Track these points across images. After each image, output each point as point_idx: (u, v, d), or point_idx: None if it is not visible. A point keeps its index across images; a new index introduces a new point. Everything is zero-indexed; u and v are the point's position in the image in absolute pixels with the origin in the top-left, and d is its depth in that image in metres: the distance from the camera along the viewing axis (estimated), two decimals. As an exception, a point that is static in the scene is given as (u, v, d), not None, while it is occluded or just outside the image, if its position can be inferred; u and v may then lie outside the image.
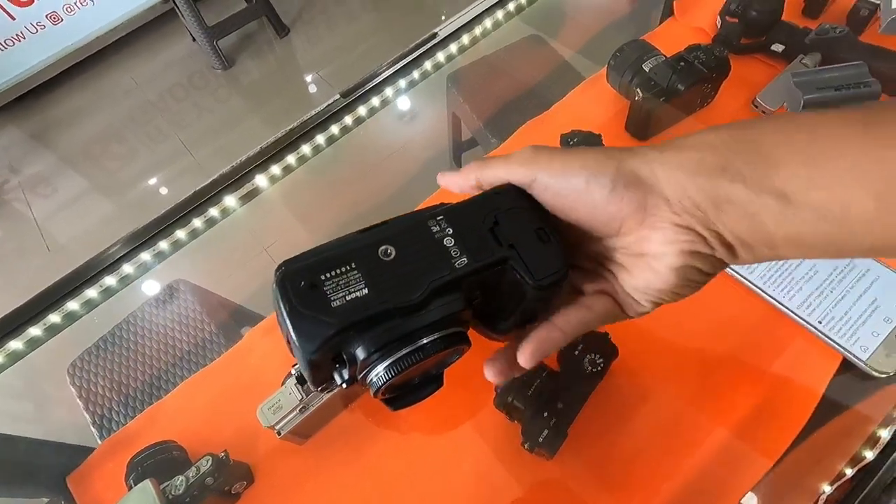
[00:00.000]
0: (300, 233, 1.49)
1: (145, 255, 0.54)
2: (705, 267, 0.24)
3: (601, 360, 0.48)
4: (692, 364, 0.52)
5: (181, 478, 0.47)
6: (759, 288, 0.53)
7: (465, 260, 0.24)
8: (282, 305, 0.22)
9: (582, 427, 0.48)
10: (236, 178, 0.55)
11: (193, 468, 0.48)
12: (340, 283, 0.22)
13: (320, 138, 0.58)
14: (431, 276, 0.23)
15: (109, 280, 0.53)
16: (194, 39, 2.23)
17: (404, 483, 0.51)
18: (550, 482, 0.48)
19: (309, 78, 2.20)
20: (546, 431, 0.45)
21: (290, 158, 0.58)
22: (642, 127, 0.66)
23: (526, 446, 0.47)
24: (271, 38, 2.31)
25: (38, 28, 2.14)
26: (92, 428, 0.92)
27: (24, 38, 2.13)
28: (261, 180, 0.57)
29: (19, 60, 2.18)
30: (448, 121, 1.31)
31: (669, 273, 0.24)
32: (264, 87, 2.21)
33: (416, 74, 0.72)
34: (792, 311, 0.52)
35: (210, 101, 2.20)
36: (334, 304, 0.21)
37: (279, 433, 0.50)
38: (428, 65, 0.73)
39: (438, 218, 0.24)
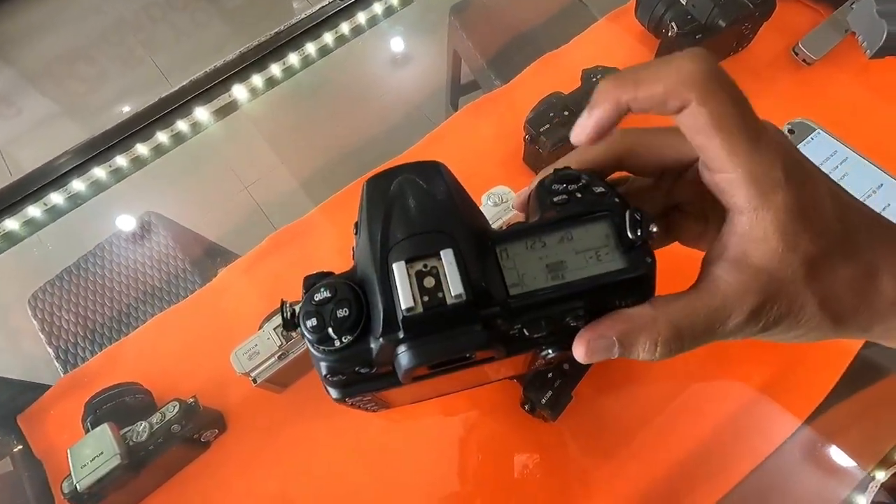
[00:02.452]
0: (283, 173, 1.40)
1: (98, 171, 0.46)
2: None
3: (613, 319, 0.44)
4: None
5: (144, 423, 0.42)
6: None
7: None
8: None
9: (587, 390, 0.45)
10: (209, 87, 0.47)
11: (158, 414, 0.43)
12: None
13: (310, 47, 0.50)
14: None
15: (56, 197, 0.46)
16: (172, -49, 2.02)
17: (388, 438, 0.48)
18: (548, 446, 0.45)
19: (298, 4, 2.04)
20: (549, 393, 0.42)
21: (274, 69, 0.50)
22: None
23: (526, 408, 0.43)
24: (258, -44, 2.11)
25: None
26: (56, 363, 0.87)
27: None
28: (238, 92, 0.49)
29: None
30: (448, 59, 1.21)
31: None
32: (249, 12, 2.04)
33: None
34: None
35: (188, 24, 2.03)
36: None
37: (255, 381, 0.45)
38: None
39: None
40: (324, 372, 0.20)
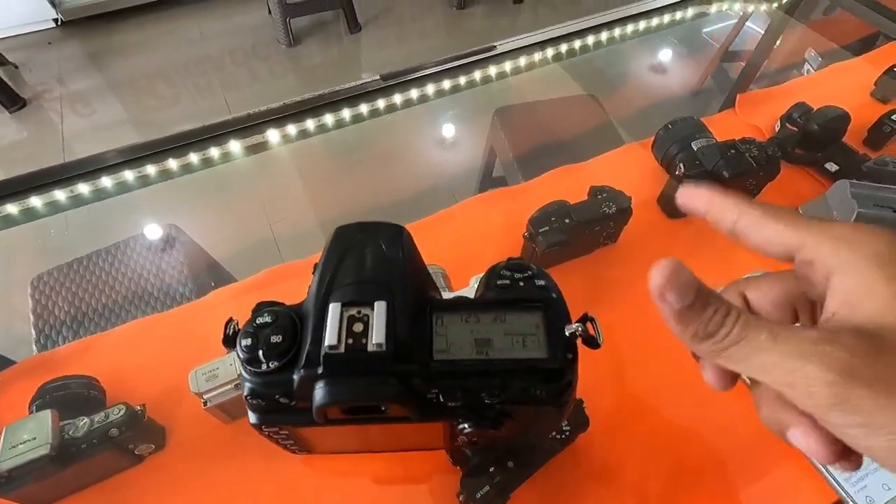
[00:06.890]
0: (308, 216, 1.47)
1: (128, 174, 0.51)
2: None
3: (568, 427, 0.44)
4: (669, 458, 0.47)
5: (85, 420, 0.42)
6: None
7: None
8: None
9: (527, 495, 0.43)
10: (247, 126, 0.52)
11: (102, 413, 0.43)
12: None
13: (345, 113, 0.56)
14: None
15: (82, 187, 0.50)
16: (270, 12, 2.28)
17: (322, 496, 0.46)
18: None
19: (366, 77, 2.23)
20: (487, 489, 0.40)
21: (327, 118, 0.56)
22: (674, 205, 0.63)
23: (461, 499, 0.41)
24: (342, 31, 2.36)
25: (127, -41, 2.20)
26: (34, 346, 0.88)
27: (113, -36, 2.20)
28: (272, 135, 0.54)
29: (101, -17, 2.24)
30: (484, 152, 1.30)
31: None
32: (321, 74, 2.24)
33: (462, 80, 0.71)
34: None
35: (265, 73, 2.24)
36: None
37: (205, 403, 0.45)
38: (477, 75, 0.73)
39: None
40: (246, 392, 0.22)
